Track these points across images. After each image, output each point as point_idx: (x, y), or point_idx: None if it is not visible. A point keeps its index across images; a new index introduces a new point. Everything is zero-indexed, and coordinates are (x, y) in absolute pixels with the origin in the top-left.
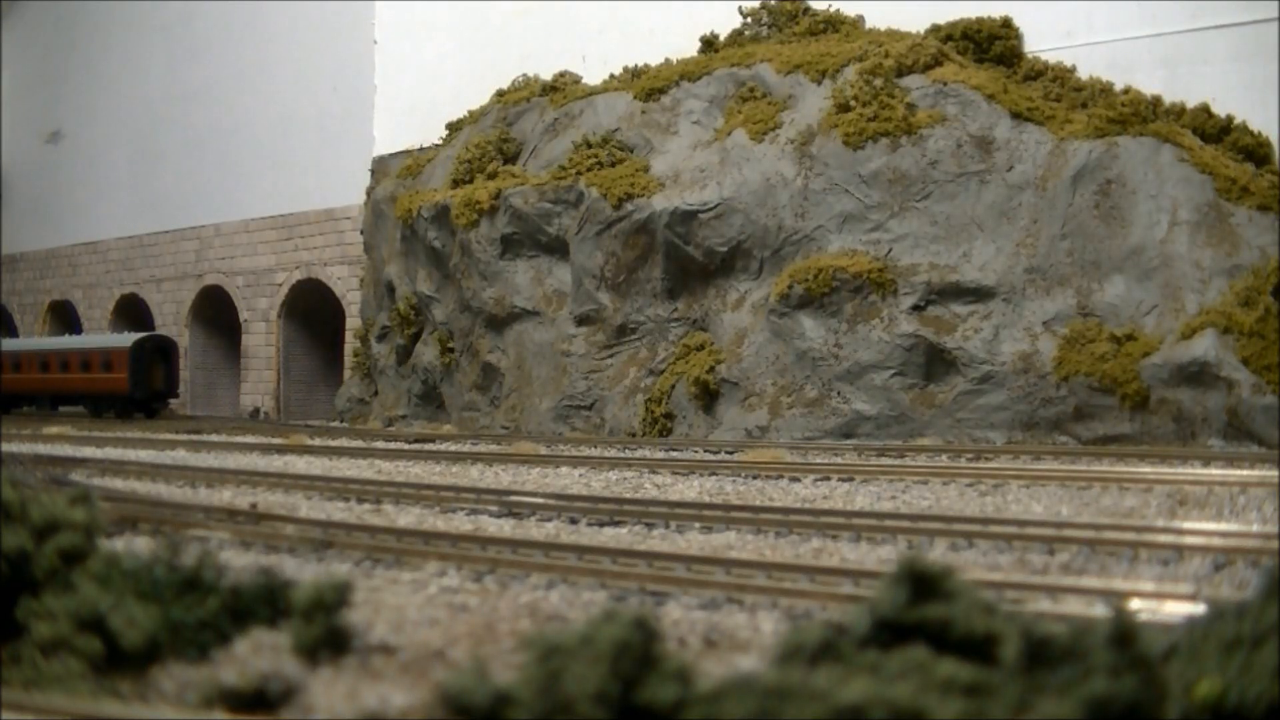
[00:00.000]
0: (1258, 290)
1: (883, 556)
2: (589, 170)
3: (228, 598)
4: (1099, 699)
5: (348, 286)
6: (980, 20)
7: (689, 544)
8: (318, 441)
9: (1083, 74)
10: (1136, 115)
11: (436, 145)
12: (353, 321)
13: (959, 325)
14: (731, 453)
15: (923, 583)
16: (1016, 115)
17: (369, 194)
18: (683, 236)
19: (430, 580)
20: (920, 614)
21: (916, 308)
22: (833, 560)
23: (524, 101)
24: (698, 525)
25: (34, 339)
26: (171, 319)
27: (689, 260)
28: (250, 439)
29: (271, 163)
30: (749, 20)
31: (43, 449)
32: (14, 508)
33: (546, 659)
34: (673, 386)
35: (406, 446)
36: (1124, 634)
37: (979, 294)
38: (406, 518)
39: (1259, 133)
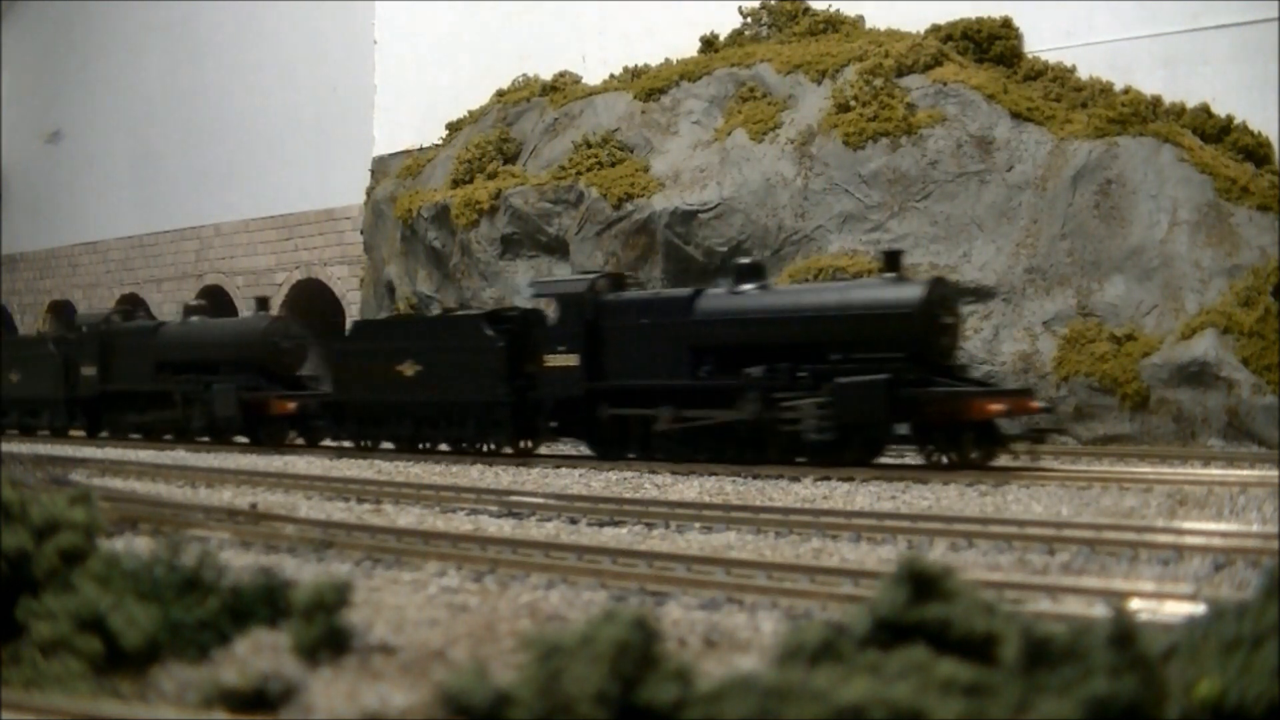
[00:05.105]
0: (1258, 290)
1: (883, 556)
2: (589, 170)
3: (228, 598)
4: (1099, 699)
5: (348, 286)
6: (980, 20)
7: (689, 544)
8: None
9: (1083, 74)
10: (1136, 115)
11: (436, 145)
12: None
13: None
14: None
15: (923, 583)
16: (1016, 115)
17: (369, 194)
18: (683, 236)
19: (430, 580)
20: (920, 614)
21: None
22: (833, 560)
23: (524, 101)
24: (698, 525)
25: None
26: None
27: (689, 260)
28: (250, 439)
29: (271, 163)
30: (749, 20)
31: (42, 449)
32: (14, 508)
33: (546, 659)
34: None
35: None
36: (1124, 634)
37: (979, 294)
38: (406, 518)
39: (1259, 133)
